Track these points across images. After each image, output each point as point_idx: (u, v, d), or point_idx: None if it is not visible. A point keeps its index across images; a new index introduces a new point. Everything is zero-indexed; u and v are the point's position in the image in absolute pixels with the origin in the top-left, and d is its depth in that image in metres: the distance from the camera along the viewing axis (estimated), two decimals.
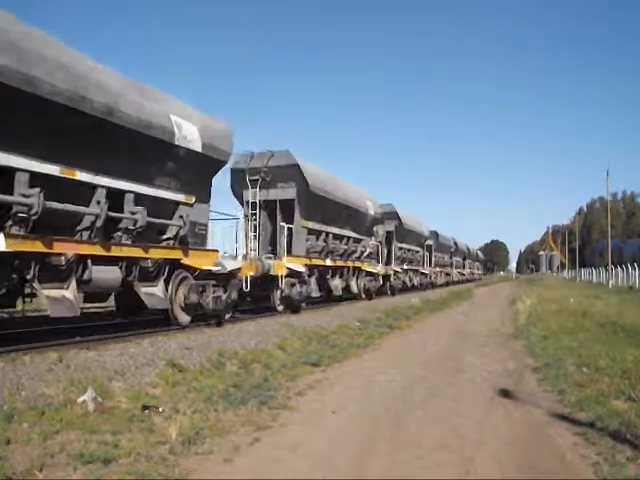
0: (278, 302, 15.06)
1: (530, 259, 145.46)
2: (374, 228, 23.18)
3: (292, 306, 15.36)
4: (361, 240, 21.08)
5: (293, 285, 14.98)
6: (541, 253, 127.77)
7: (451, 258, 46.92)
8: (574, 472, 4.26)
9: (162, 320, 10.84)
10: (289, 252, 15.42)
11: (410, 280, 30.61)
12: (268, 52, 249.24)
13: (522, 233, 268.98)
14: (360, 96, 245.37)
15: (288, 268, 14.76)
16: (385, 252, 25.61)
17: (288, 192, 15.68)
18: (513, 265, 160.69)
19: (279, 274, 14.36)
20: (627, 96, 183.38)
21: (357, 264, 20.82)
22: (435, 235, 38.30)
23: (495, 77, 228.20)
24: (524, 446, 4.92)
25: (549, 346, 10.20)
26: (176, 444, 4.60)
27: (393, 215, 27.05)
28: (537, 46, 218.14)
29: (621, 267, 40.13)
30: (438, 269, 40.01)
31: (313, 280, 16.65)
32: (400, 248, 28.32)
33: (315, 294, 16.96)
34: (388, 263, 26.03)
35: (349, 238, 19.87)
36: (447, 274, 44.51)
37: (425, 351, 10.61)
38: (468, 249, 58.85)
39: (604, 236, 63.56)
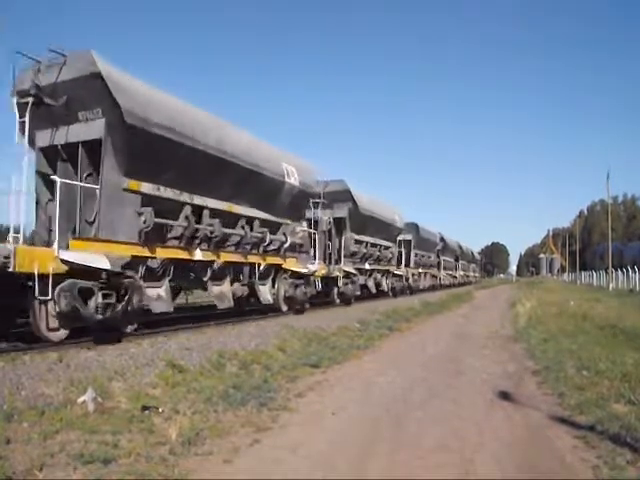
0: (47, 323, 8.06)
1: (530, 262, 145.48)
2: (307, 211, 16.77)
3: (93, 330, 8.65)
4: (280, 225, 14.38)
5: (89, 294, 8.13)
6: (541, 256, 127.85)
7: (438, 257, 39.92)
8: (574, 474, 4.26)
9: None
10: (80, 231, 9.06)
11: (377, 284, 24.03)
12: (268, 53, 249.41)
13: (522, 236, 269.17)
14: (361, 98, 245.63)
15: (66, 262, 7.89)
16: (335, 246, 19.74)
17: (93, 128, 8.88)
18: (513, 268, 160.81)
19: (38, 272, 7.50)
20: (628, 98, 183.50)
21: (273, 260, 13.98)
22: (415, 228, 31.31)
23: (496, 79, 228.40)
24: (524, 448, 4.92)
25: (549, 349, 10.20)
26: (176, 445, 4.60)
27: (344, 195, 19.67)
28: (537, 48, 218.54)
29: (621, 270, 40.09)
30: (420, 270, 33.29)
31: (164, 284, 10.15)
32: (358, 241, 21.05)
33: (161, 308, 9.95)
34: (338, 261, 19.63)
35: (253, 220, 13.04)
36: (433, 276, 37.74)
37: (425, 353, 10.61)
38: (461, 248, 51.31)
39: (605, 239, 63.53)
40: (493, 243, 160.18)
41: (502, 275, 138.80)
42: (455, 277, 48.38)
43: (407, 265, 30.10)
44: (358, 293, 21.30)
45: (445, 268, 42.78)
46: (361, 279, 21.72)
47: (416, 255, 32.23)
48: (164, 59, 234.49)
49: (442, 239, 40.49)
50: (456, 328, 15.53)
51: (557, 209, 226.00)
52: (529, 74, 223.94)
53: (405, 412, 6.11)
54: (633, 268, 36.64)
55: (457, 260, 49.81)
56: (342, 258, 19.90)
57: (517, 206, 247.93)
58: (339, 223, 19.84)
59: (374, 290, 23.64)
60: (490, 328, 15.04)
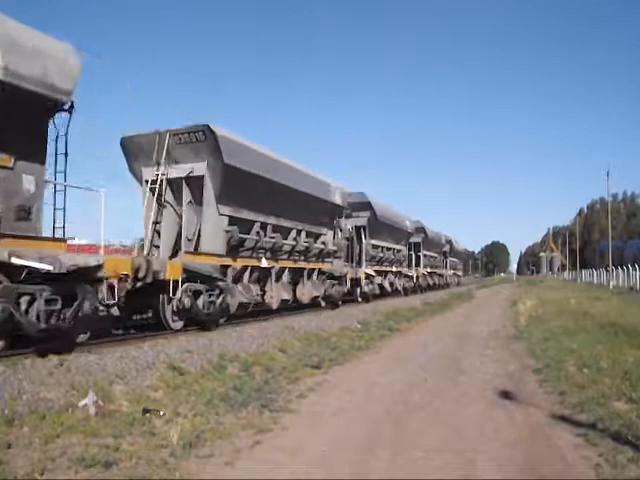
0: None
1: (531, 260, 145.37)
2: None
3: None
4: None
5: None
6: (542, 254, 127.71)
7: (360, 240, 21.80)
8: (575, 473, 4.26)
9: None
10: None
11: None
12: (268, 53, 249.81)
13: (523, 234, 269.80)
14: (361, 98, 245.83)
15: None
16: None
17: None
18: (514, 267, 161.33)
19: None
20: (627, 96, 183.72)
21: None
22: (268, 163, 13.20)
23: (496, 78, 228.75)
24: (525, 447, 4.91)
25: (550, 347, 10.19)
26: (177, 447, 4.60)
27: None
28: (536, 46, 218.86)
29: (622, 268, 40.06)
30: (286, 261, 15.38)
31: None
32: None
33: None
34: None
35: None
36: (352, 280, 19.99)
37: (426, 353, 10.60)
38: (425, 232, 32.99)
39: (604, 237, 63.57)
40: (493, 242, 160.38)
41: (503, 274, 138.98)
42: (409, 277, 29.40)
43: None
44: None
45: (394, 263, 26.03)
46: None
47: (288, 238, 15.68)
48: (162, 58, 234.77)
49: (366, 206, 21.81)
50: (457, 328, 15.50)
51: (557, 207, 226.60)
52: (529, 72, 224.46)
53: (406, 413, 6.10)
54: (633, 266, 36.61)
55: (417, 250, 32.32)
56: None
57: (517, 205, 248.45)
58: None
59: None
60: (491, 327, 15.04)
